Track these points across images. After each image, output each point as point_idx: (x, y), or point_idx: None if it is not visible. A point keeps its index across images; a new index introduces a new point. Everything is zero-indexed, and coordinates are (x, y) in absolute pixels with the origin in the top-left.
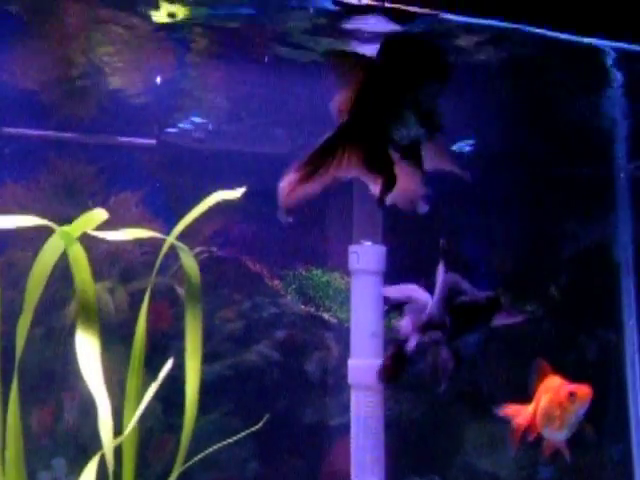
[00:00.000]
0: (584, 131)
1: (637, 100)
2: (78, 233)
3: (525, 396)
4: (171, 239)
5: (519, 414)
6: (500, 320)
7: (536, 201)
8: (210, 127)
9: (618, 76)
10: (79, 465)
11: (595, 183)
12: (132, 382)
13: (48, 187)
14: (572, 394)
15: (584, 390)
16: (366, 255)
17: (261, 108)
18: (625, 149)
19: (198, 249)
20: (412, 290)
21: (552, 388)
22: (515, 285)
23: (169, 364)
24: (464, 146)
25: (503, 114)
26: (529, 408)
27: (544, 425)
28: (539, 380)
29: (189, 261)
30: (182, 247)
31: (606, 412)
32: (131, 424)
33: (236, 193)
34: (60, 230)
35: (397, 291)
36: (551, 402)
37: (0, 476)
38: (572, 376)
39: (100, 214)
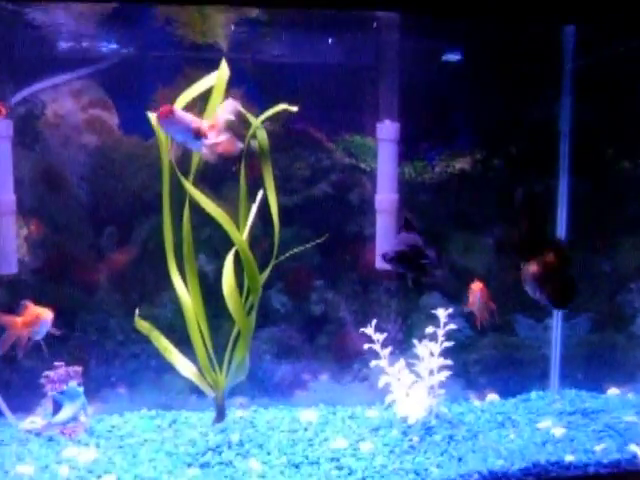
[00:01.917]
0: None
1: None
2: None
3: None
4: (257, 122)
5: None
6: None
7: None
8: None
9: None
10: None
11: (547, 75)
12: (242, 208)
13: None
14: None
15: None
16: (386, 129)
17: None
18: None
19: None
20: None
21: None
22: (484, 144)
23: (260, 195)
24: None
25: None
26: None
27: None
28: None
29: (262, 134)
30: (258, 125)
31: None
32: (245, 232)
33: (293, 108)
34: None
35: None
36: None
37: None
38: (523, 204)
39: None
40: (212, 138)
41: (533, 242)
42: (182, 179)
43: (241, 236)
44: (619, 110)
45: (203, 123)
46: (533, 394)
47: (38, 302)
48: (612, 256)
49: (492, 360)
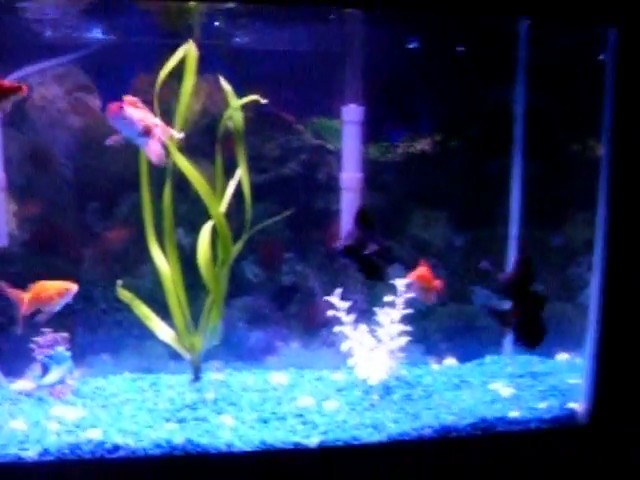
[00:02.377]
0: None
1: None
2: None
3: None
4: (234, 105)
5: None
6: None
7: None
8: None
9: None
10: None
11: (502, 62)
12: (218, 184)
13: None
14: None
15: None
16: (351, 112)
17: None
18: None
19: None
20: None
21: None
22: (443, 127)
23: (237, 175)
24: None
25: None
26: None
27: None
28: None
29: (237, 115)
30: (235, 106)
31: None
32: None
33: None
34: None
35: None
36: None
37: None
38: (480, 180)
39: None
40: (153, 141)
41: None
42: (171, 150)
43: (218, 208)
44: (569, 95)
45: (152, 121)
46: (487, 359)
47: (27, 274)
48: (563, 232)
49: (451, 328)
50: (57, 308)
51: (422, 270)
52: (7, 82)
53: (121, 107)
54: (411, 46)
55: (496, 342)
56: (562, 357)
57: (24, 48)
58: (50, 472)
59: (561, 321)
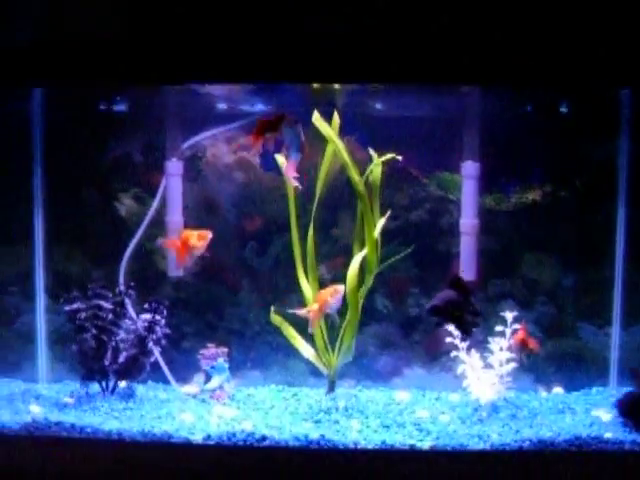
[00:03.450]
0: None
1: None
2: None
3: None
4: (375, 162)
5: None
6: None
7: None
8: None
9: None
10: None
11: (607, 117)
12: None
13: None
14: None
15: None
16: (469, 167)
17: None
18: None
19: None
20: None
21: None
22: (553, 179)
23: (385, 216)
24: None
25: None
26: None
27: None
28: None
29: (377, 171)
30: (376, 163)
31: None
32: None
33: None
34: None
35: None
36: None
37: None
38: (586, 226)
39: None
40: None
41: None
42: (355, 180)
43: (373, 240)
44: None
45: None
46: (594, 389)
47: (197, 299)
48: None
49: (560, 360)
50: (335, 308)
51: (521, 333)
52: (273, 117)
53: (297, 121)
54: (523, 109)
55: (602, 374)
56: None
57: (201, 118)
58: (211, 452)
59: None
